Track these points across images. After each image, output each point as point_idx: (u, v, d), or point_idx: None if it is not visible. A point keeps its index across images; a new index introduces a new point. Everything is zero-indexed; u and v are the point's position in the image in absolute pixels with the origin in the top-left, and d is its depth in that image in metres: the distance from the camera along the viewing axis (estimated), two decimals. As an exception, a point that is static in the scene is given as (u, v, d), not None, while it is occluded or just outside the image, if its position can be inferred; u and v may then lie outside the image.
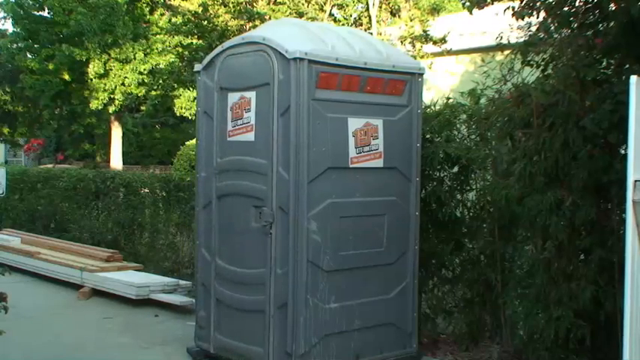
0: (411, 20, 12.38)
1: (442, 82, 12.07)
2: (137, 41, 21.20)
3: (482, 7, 5.65)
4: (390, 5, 12.76)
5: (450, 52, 12.38)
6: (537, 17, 4.71)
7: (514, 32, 5.22)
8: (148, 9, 22.52)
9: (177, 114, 21.66)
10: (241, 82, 5.07)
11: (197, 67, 5.51)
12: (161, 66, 20.40)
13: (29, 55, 22.29)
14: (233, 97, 5.11)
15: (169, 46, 20.56)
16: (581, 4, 4.54)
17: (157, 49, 21.02)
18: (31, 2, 21.88)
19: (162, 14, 22.55)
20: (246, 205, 5.01)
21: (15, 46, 23.07)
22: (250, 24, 12.33)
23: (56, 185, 11.06)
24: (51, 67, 20.85)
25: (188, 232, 8.51)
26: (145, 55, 21.02)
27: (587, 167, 4.34)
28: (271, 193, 4.80)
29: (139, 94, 21.47)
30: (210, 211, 5.34)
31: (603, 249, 4.38)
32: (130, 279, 7.67)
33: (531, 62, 4.97)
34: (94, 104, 20.98)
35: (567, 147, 4.42)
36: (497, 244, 5.53)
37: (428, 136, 5.79)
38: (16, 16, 21.91)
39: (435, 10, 12.84)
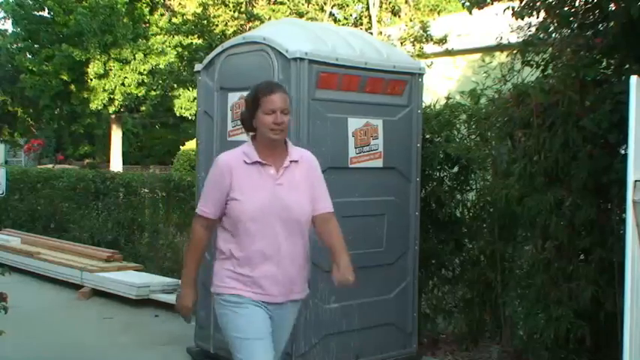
0: (411, 20, 12.39)
1: (440, 87, 12.07)
2: (137, 41, 21.20)
3: (482, 7, 5.66)
4: (391, 5, 12.76)
5: (450, 53, 12.39)
6: (537, 17, 4.71)
7: (514, 32, 5.23)
8: (147, 9, 22.54)
9: (177, 114, 21.67)
10: (241, 82, 5.05)
11: (197, 66, 5.51)
12: (161, 66, 20.43)
13: (29, 56, 22.29)
14: (233, 97, 5.11)
15: (169, 46, 20.57)
16: (581, 4, 4.54)
17: (156, 49, 21.03)
18: (31, 2, 21.90)
19: (162, 14, 22.57)
20: (246, 205, 5.00)
21: (15, 46, 23.08)
22: (250, 24, 12.34)
23: (56, 185, 11.06)
24: (50, 68, 20.85)
25: (188, 232, 8.49)
26: (145, 55, 21.02)
27: (587, 167, 4.34)
28: (271, 193, 4.79)
29: (139, 95, 21.48)
30: (210, 211, 5.33)
31: (603, 249, 4.38)
32: (130, 279, 7.67)
33: (531, 62, 4.97)
34: (94, 104, 20.99)
35: (567, 147, 4.42)
36: (497, 244, 5.53)
37: (428, 136, 5.79)
38: (16, 16, 21.94)
39: (434, 11, 12.84)
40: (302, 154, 3.28)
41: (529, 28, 4.98)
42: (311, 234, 4.75)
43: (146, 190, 9.61)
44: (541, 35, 4.77)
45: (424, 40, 12.27)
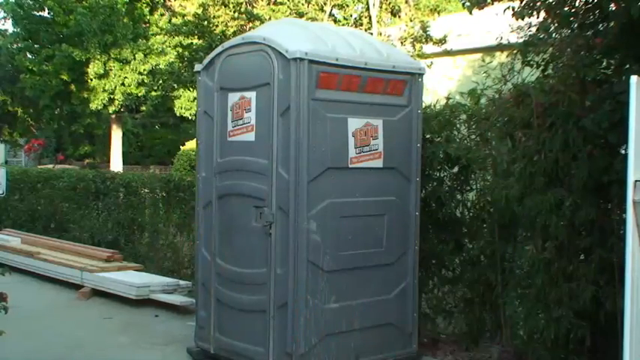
0: (411, 20, 12.39)
1: (440, 87, 12.09)
2: (137, 41, 21.20)
3: (482, 7, 5.66)
4: (391, 5, 12.76)
5: (450, 53, 12.38)
6: (537, 17, 4.72)
7: (514, 32, 5.23)
8: (147, 9, 22.54)
9: (178, 114, 21.67)
10: (241, 82, 5.07)
11: (197, 67, 5.52)
12: (161, 66, 20.42)
13: (29, 56, 22.29)
14: (233, 97, 5.11)
15: (169, 46, 20.57)
16: (581, 4, 4.54)
17: (156, 49, 21.03)
18: (31, 2, 21.89)
19: (162, 14, 22.57)
20: (246, 205, 5.01)
21: (15, 46, 23.07)
22: (250, 24, 12.35)
23: (56, 185, 11.06)
24: (50, 68, 20.84)
25: (188, 232, 8.51)
26: (145, 55, 21.02)
27: (587, 167, 4.34)
28: (271, 193, 4.80)
29: (139, 95, 21.48)
30: (211, 211, 5.34)
31: (603, 249, 4.38)
32: (130, 279, 7.67)
33: (531, 62, 4.97)
34: (94, 104, 20.99)
35: (567, 147, 4.42)
36: (497, 244, 5.53)
37: (428, 136, 5.79)
38: (16, 16, 21.92)
39: (434, 11, 12.84)
40: None
41: (529, 28, 4.99)
42: (310, 233, 4.78)
43: (146, 190, 9.61)
44: (541, 35, 4.78)
45: (424, 40, 12.27)
